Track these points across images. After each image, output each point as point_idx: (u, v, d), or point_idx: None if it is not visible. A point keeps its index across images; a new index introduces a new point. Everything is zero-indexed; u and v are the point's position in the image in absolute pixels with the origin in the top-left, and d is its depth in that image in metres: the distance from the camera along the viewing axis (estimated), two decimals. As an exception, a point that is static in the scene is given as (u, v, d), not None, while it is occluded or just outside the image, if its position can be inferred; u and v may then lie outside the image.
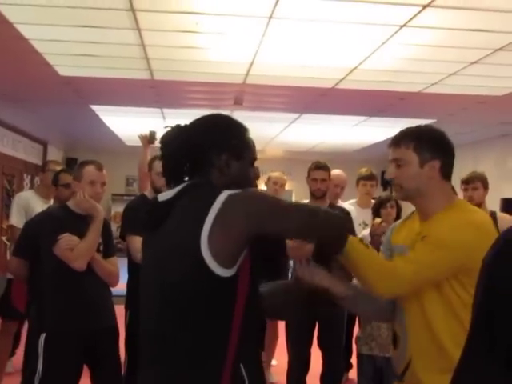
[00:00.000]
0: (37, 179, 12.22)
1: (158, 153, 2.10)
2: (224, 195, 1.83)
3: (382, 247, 2.64)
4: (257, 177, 2.12)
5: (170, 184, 2.02)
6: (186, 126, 2.03)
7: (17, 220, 5.43)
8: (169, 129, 2.04)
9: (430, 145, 2.27)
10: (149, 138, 5.51)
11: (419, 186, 2.27)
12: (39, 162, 12.74)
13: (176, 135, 2.01)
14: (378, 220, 4.46)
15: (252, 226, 1.84)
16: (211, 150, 1.97)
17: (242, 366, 1.87)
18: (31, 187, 11.65)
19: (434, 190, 2.27)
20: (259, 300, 2.01)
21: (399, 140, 2.32)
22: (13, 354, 5.77)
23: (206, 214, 1.80)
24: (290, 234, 2.07)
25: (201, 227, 1.79)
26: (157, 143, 2.15)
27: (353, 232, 2.37)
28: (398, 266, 2.19)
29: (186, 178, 2.02)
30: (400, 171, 2.29)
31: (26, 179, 11.91)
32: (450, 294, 2.17)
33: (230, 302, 1.85)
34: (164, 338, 1.89)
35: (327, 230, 2.08)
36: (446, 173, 2.31)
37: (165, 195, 1.99)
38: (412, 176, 2.27)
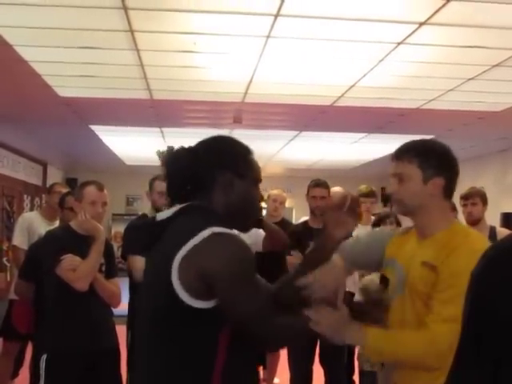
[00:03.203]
0: (37, 200, 12.22)
1: (159, 173, 2.09)
2: (208, 232, 1.78)
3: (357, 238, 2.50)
4: (261, 198, 2.09)
5: (174, 203, 1.98)
6: (189, 146, 2.01)
7: (20, 240, 5.44)
8: (170, 149, 2.02)
9: (435, 161, 2.16)
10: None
11: (421, 202, 2.16)
12: (39, 183, 12.75)
13: (180, 155, 1.98)
14: None
15: (212, 278, 1.76)
16: (214, 168, 1.94)
17: None
18: (31, 208, 11.64)
19: (435, 208, 2.17)
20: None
21: (402, 154, 2.20)
22: (16, 374, 5.74)
23: (183, 244, 1.76)
24: (234, 314, 1.81)
25: (174, 256, 1.76)
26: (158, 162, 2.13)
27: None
28: (435, 334, 2.00)
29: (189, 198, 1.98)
30: (402, 186, 2.18)
31: (26, 200, 11.90)
32: None
33: (211, 333, 1.80)
34: (148, 362, 1.87)
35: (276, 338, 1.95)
36: (449, 191, 2.20)
37: (163, 214, 1.96)
38: (414, 192, 2.16)
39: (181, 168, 1.96)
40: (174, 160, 1.99)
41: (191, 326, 1.79)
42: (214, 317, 1.78)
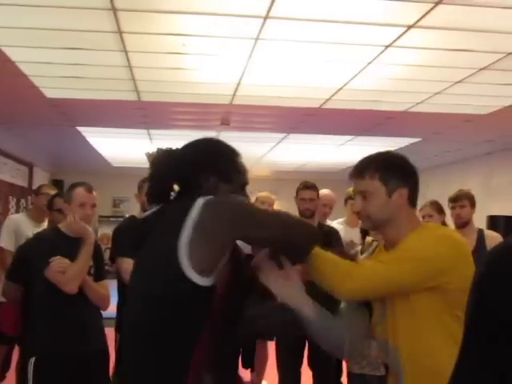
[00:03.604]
0: (22, 201, 12.16)
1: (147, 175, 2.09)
2: (201, 201, 1.80)
3: None
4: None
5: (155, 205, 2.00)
6: (176, 149, 2.02)
7: (6, 242, 5.40)
8: (160, 151, 2.03)
9: (396, 172, 2.18)
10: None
11: (388, 216, 2.17)
12: (25, 185, 12.69)
13: (165, 158, 2.00)
14: (369, 239, 4.47)
15: (231, 232, 1.81)
16: (199, 172, 1.95)
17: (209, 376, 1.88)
18: (17, 210, 11.58)
19: (402, 217, 2.18)
20: (241, 316, 1.99)
21: (363, 171, 2.21)
22: (3, 378, 5.70)
23: (183, 222, 1.77)
24: (267, 241, 1.95)
25: (178, 235, 1.76)
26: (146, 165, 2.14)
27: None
28: (365, 264, 2.11)
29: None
30: (367, 203, 2.18)
31: (12, 202, 11.84)
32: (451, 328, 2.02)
33: (202, 312, 1.83)
34: (134, 350, 1.87)
35: (301, 238, 2.03)
36: (413, 199, 2.22)
37: (147, 214, 2.00)
38: (380, 207, 2.17)
39: (165, 172, 1.97)
40: (159, 164, 2.00)
41: (193, 305, 1.80)
42: (211, 293, 1.82)
